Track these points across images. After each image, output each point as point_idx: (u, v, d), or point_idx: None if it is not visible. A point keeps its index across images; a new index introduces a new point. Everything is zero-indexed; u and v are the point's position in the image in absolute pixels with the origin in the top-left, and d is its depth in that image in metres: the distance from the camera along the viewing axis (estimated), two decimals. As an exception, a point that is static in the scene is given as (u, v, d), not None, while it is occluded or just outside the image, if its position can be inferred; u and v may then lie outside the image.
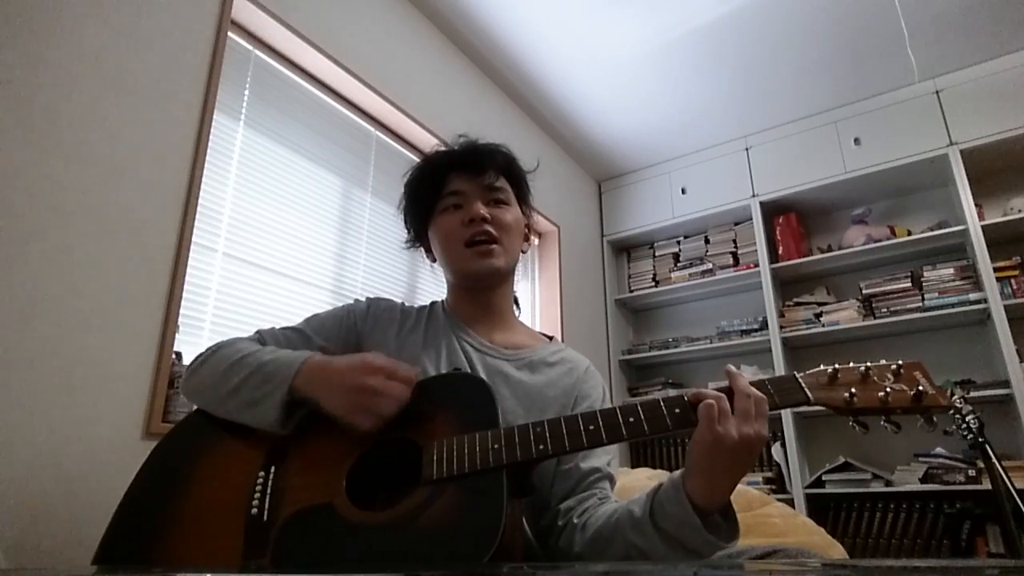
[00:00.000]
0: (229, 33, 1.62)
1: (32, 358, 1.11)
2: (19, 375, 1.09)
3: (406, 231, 1.07)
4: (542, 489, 0.85)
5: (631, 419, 0.70)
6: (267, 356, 0.81)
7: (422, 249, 1.07)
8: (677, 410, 0.69)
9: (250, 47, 1.79)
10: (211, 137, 1.51)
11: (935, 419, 0.67)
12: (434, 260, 1.05)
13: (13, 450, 1.06)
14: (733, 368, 0.71)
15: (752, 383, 0.69)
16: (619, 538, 0.73)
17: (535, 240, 3.05)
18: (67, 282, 1.18)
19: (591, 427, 0.70)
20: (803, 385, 0.70)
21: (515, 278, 1.08)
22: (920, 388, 0.67)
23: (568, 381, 0.95)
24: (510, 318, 1.04)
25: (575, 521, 0.80)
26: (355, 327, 0.97)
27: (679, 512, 0.66)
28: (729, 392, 0.68)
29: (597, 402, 0.95)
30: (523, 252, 1.04)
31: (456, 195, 0.97)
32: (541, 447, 0.69)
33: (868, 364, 0.71)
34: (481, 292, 1.01)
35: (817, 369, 0.72)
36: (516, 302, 1.09)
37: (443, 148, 1.03)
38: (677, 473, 0.70)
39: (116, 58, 1.34)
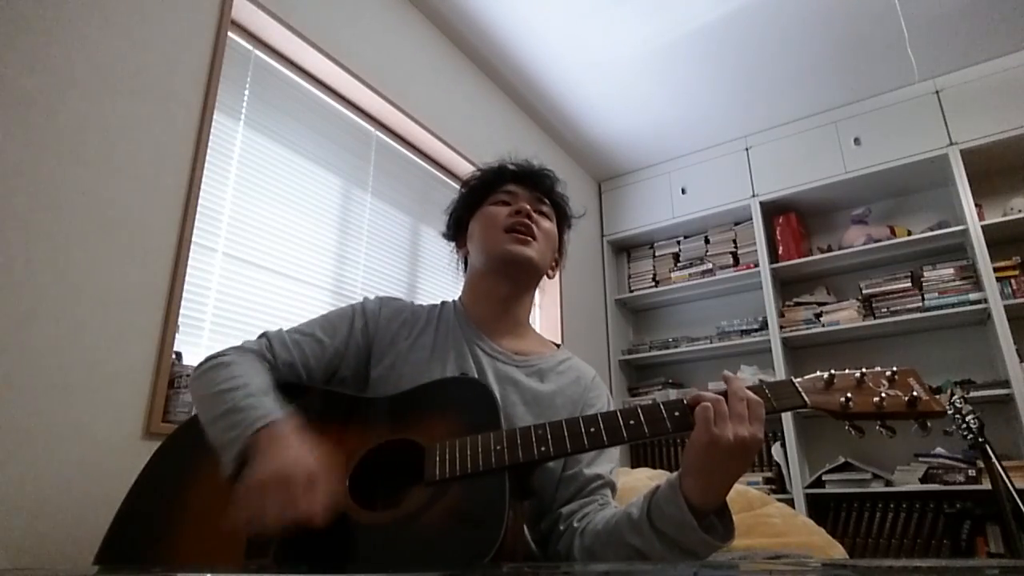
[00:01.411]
0: (229, 33, 1.62)
1: (32, 358, 1.11)
2: (19, 375, 1.09)
3: (448, 224, 1.12)
4: (543, 494, 0.85)
5: (631, 421, 0.70)
6: (239, 399, 0.78)
7: (453, 245, 1.11)
8: (676, 413, 0.70)
9: (250, 47, 1.79)
10: (211, 137, 1.51)
11: (929, 424, 0.68)
12: (466, 254, 1.08)
13: (13, 450, 1.06)
14: (730, 373, 0.72)
15: (750, 387, 0.70)
16: (618, 540, 0.73)
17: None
18: (67, 282, 1.18)
19: (592, 429, 0.70)
20: (800, 390, 0.72)
21: (534, 299, 1.09)
22: (914, 394, 0.68)
23: (576, 390, 0.96)
24: (524, 326, 1.05)
25: (575, 525, 0.81)
26: (366, 329, 0.96)
27: (676, 513, 0.67)
28: (727, 396, 0.69)
29: (600, 407, 0.96)
30: (548, 276, 1.07)
31: (508, 194, 1.03)
32: (543, 448, 0.70)
33: (863, 370, 0.72)
34: (505, 284, 1.00)
35: (814, 374, 0.74)
36: None
37: (504, 161, 1.10)
38: (674, 475, 0.71)
39: (116, 58, 1.34)
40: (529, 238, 0.98)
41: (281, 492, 0.65)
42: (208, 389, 0.82)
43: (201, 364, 0.88)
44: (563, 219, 1.11)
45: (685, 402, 0.70)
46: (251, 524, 0.66)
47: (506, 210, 1.00)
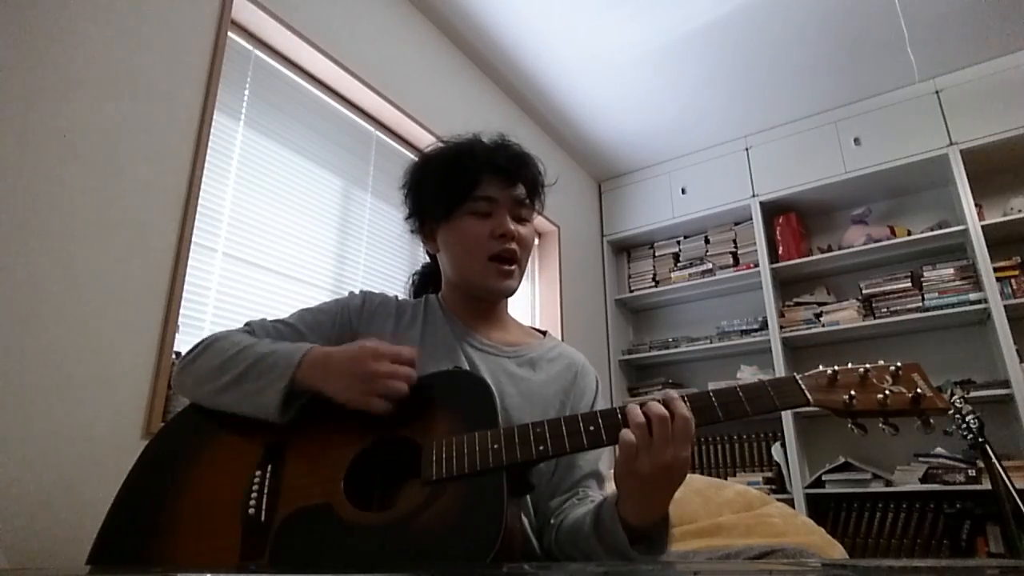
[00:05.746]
0: (229, 33, 1.62)
1: (32, 358, 1.11)
2: (19, 375, 1.09)
3: (409, 210, 1.00)
4: (540, 485, 0.85)
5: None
6: (267, 348, 0.81)
7: (419, 237, 1.01)
8: None
9: (250, 47, 1.79)
10: (211, 137, 1.51)
11: (932, 422, 0.67)
12: (436, 251, 1.00)
13: (13, 450, 1.06)
14: (672, 392, 0.69)
15: (751, 384, 0.70)
16: (576, 543, 0.76)
17: (535, 240, 3.04)
18: (67, 282, 1.18)
19: (591, 428, 0.70)
20: (803, 387, 0.70)
21: None
22: (919, 390, 0.67)
23: (567, 377, 0.96)
24: (505, 317, 1.04)
25: (552, 522, 0.82)
26: (349, 323, 0.95)
27: (614, 530, 0.69)
28: (652, 415, 0.65)
29: (591, 393, 0.96)
30: None
31: (488, 201, 0.92)
32: (541, 448, 0.69)
33: (867, 366, 0.70)
34: (483, 302, 0.99)
35: (817, 371, 0.72)
36: None
37: (477, 140, 0.96)
38: (614, 493, 0.71)
39: (116, 58, 1.34)
40: (513, 267, 0.92)
41: (376, 381, 0.72)
42: (216, 359, 0.82)
43: (193, 348, 0.87)
44: (541, 199, 0.99)
45: (620, 413, 0.68)
46: (376, 406, 0.72)
47: (487, 229, 0.90)
